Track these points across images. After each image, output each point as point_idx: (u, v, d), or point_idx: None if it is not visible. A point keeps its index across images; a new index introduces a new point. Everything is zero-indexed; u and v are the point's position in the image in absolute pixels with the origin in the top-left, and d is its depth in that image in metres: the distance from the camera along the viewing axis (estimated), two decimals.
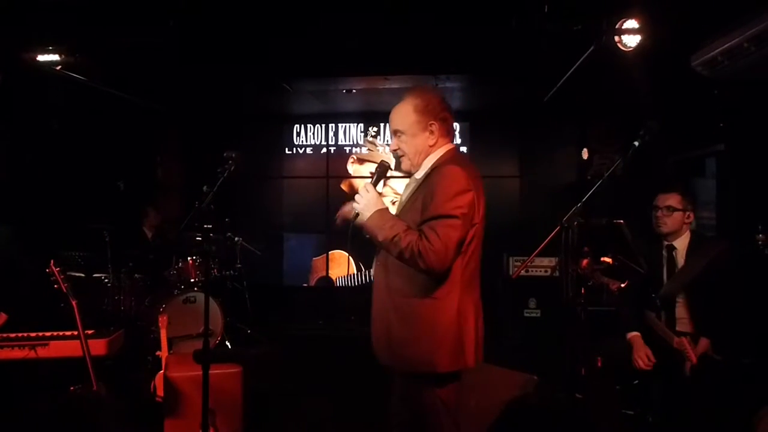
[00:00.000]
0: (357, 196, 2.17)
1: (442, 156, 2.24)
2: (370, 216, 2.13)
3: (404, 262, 2.07)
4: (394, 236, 2.05)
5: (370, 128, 7.46)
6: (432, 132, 2.22)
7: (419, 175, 2.26)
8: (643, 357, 3.07)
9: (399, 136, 2.25)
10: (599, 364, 3.11)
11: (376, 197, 2.15)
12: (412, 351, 2.13)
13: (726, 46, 3.68)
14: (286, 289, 7.54)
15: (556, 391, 3.02)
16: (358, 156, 7.52)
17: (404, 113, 2.23)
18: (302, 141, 7.67)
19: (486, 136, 7.30)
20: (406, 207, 2.23)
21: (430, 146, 2.24)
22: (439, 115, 2.22)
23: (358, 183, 7.41)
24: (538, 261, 5.93)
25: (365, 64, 5.10)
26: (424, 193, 2.14)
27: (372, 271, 2.38)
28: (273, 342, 5.80)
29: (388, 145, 7.43)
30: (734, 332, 3.02)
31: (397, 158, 2.31)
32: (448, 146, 2.27)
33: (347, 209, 2.40)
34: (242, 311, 6.07)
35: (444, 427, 2.16)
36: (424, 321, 2.12)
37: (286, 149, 7.67)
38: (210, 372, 2.76)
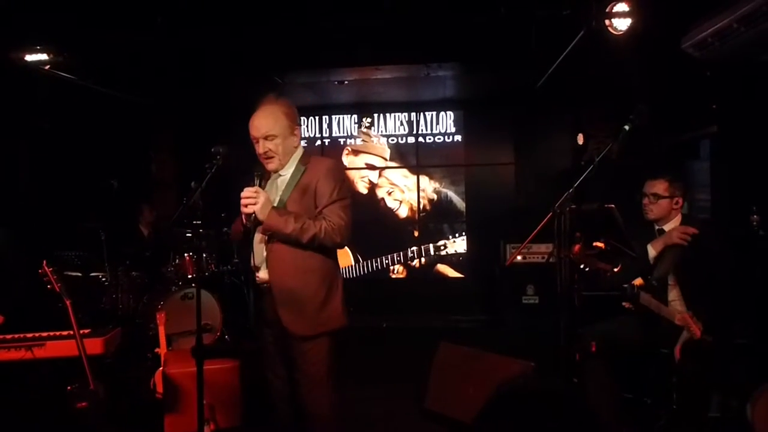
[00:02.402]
0: (250, 200, 2.37)
1: (303, 155, 2.57)
2: (269, 214, 2.37)
3: (318, 243, 2.39)
4: (303, 225, 2.37)
5: (363, 119, 7.44)
6: (296, 135, 2.54)
7: (285, 172, 2.54)
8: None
9: (272, 140, 2.47)
10: (593, 349, 3.12)
11: (268, 197, 2.41)
12: (326, 312, 2.47)
13: (716, 27, 3.67)
14: None
15: (553, 376, 3.03)
16: (353, 147, 7.50)
17: (276, 119, 2.47)
18: None
19: (480, 123, 7.29)
20: (292, 198, 2.48)
21: (295, 147, 2.55)
22: (298, 121, 2.57)
23: (354, 174, 7.40)
24: (535, 248, 5.94)
25: (356, 55, 5.07)
26: (313, 185, 2.46)
27: (254, 261, 2.54)
28: None
29: (382, 135, 7.43)
30: (724, 313, 3.02)
31: (266, 159, 2.51)
32: (302, 146, 2.61)
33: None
34: (241, 305, 6.07)
35: (332, 379, 2.50)
36: (331, 285, 2.50)
37: None
38: (207, 367, 2.77)
